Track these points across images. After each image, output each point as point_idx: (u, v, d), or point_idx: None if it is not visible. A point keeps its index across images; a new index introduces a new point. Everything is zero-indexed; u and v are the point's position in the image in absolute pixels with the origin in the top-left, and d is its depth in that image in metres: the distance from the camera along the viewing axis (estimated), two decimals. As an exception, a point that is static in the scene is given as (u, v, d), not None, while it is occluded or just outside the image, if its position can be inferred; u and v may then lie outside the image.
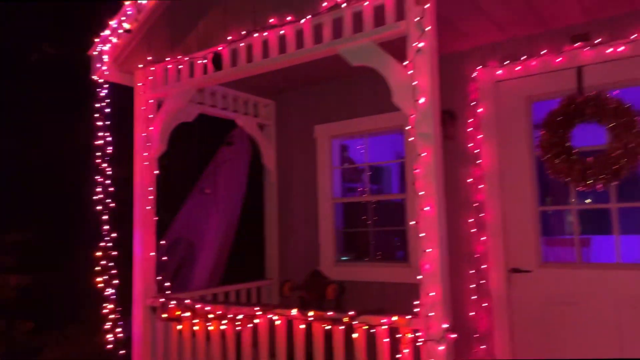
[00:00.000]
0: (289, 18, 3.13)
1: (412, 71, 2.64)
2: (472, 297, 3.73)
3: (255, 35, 3.28)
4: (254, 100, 4.89)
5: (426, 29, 2.61)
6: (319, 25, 3.06)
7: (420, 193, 2.56)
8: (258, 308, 3.16)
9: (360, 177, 5.23)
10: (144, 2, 3.61)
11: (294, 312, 3.00)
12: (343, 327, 2.82)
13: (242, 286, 4.58)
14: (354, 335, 2.77)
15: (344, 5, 2.90)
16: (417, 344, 2.55)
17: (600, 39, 3.39)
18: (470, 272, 3.76)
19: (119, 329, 3.76)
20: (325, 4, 2.99)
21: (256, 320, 3.17)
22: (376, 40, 2.83)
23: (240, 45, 3.36)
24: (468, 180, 3.82)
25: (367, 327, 2.74)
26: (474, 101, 3.86)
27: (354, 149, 5.33)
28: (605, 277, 3.42)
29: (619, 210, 3.45)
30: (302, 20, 3.08)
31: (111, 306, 3.74)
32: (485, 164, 3.79)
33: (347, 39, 2.92)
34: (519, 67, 3.69)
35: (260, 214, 4.96)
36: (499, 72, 3.78)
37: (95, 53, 3.89)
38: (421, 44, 2.62)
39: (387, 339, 2.70)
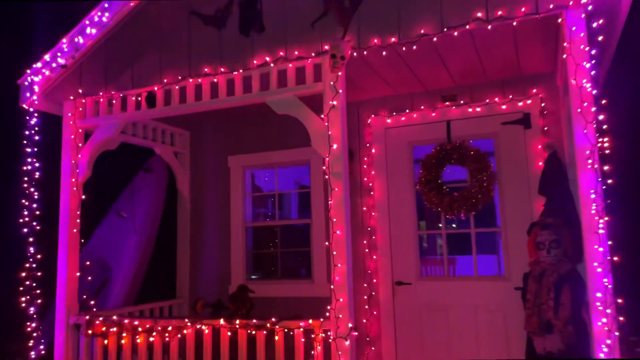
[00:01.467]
0: (222, 69, 3.68)
1: (327, 123, 3.33)
2: (365, 307, 4.47)
3: (190, 80, 3.77)
4: (171, 130, 5.28)
5: (339, 91, 3.32)
6: (248, 78, 3.64)
7: (333, 220, 3.23)
8: (187, 320, 3.59)
9: (267, 203, 5.80)
10: (81, 41, 3.92)
11: (222, 321, 3.48)
12: (266, 331, 3.37)
13: (155, 305, 4.88)
14: (276, 338, 3.33)
15: (272, 64, 3.53)
16: (329, 340, 3.18)
17: (463, 101, 4.38)
18: (364, 285, 4.50)
19: (41, 347, 3.91)
20: (255, 61, 3.59)
21: (185, 331, 3.59)
22: (298, 94, 3.48)
23: (175, 87, 3.82)
24: (363, 209, 4.59)
25: (286, 330, 3.32)
26: (368, 143, 4.66)
27: (261, 177, 5.90)
28: (466, 287, 4.34)
29: (476, 234, 4.42)
30: (235, 73, 3.64)
31: (34, 324, 3.89)
32: (377, 195, 4.59)
33: (273, 92, 3.54)
34: (403, 118, 4.58)
35: (175, 237, 5.31)
36: (389, 120, 4.64)
37: (26, 83, 4.09)
38: (335, 102, 3.33)
39: (303, 339, 3.30)
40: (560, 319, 3.41)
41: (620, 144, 2.73)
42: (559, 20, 2.93)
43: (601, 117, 2.68)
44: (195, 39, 3.82)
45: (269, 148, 5.12)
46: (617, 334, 2.60)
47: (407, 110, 4.54)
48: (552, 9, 2.86)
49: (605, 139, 2.66)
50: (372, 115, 4.67)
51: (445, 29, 3.10)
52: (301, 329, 3.29)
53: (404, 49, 3.27)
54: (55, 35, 4.10)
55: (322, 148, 3.35)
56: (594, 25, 2.75)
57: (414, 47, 3.24)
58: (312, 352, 3.26)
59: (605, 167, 2.65)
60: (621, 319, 2.65)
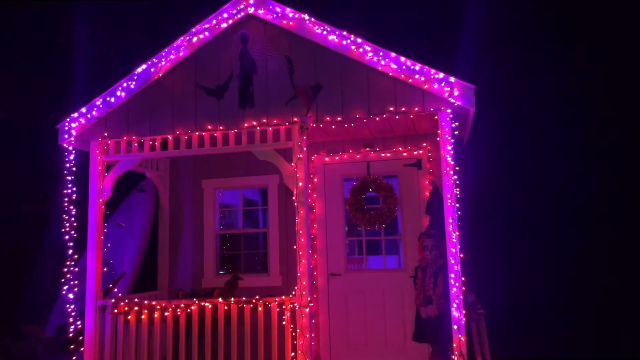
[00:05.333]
0: (220, 127, 5.36)
1: (295, 169, 5.14)
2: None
3: (196, 133, 5.41)
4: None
5: (304, 148, 5.15)
6: (239, 134, 5.35)
7: (299, 231, 5.04)
8: (195, 299, 5.23)
9: (231, 216, 7.44)
10: (112, 100, 5.41)
11: (220, 300, 5.17)
12: (252, 305, 5.10)
13: (145, 294, 6.37)
14: (259, 309, 5.08)
15: (257, 127, 5.27)
16: (295, 309, 4.98)
17: (379, 148, 6.36)
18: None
19: (79, 323, 5.33)
20: (245, 124, 5.31)
21: (192, 307, 5.22)
22: (275, 148, 5.25)
23: (184, 137, 5.43)
24: (308, 222, 6.42)
25: (267, 304, 5.08)
26: (312, 174, 6.51)
27: (227, 195, 7.53)
28: (377, 276, 6.34)
29: (385, 240, 6.43)
30: (229, 131, 5.34)
31: (73, 306, 5.31)
32: (317, 212, 6.45)
33: (257, 145, 5.28)
34: (337, 157, 6.49)
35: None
36: (326, 159, 6.53)
37: (66, 127, 5.48)
38: (300, 155, 5.15)
39: (277, 310, 5.07)
40: (436, 295, 5.46)
41: (465, 191, 4.82)
42: (436, 117, 4.99)
43: (455, 177, 4.76)
44: (199, 104, 5.45)
45: (235, 174, 6.79)
46: (461, 297, 4.67)
47: (340, 152, 6.46)
48: (433, 110, 4.91)
49: (457, 189, 4.73)
50: (315, 154, 6.52)
51: (370, 115, 5.05)
52: (276, 303, 5.07)
53: (345, 125, 5.18)
54: (81, 90, 5.54)
55: (292, 185, 5.15)
56: (453, 125, 4.83)
57: (352, 124, 5.16)
58: (283, 317, 5.05)
59: (457, 205, 4.72)
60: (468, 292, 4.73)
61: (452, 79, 4.79)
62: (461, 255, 4.74)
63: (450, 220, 4.75)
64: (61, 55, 7.00)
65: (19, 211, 6.75)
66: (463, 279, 4.72)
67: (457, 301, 4.66)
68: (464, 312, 4.66)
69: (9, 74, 6.86)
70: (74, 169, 5.49)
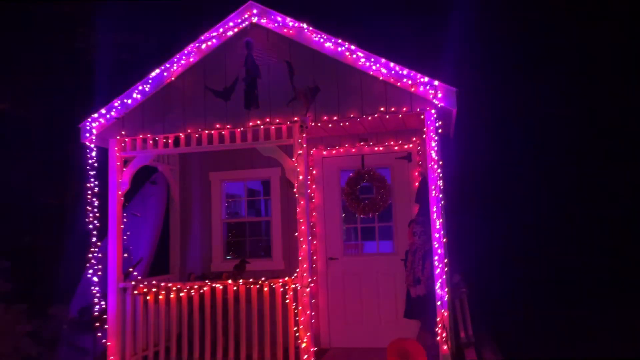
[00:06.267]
0: (228, 126, 5.91)
1: (296, 164, 5.70)
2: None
3: (206, 131, 5.95)
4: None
5: (304, 145, 5.71)
6: (244, 132, 5.90)
7: (300, 220, 5.62)
8: (207, 281, 5.82)
9: (239, 205, 8.02)
10: (129, 102, 5.95)
11: (229, 281, 5.76)
12: (258, 286, 5.70)
13: (159, 277, 6.97)
14: (265, 290, 5.68)
15: (262, 126, 5.82)
16: (297, 289, 5.57)
17: (372, 142, 6.92)
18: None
19: (102, 303, 5.94)
20: (250, 123, 5.86)
21: (205, 288, 5.81)
22: (277, 144, 5.80)
23: (195, 135, 5.98)
24: (308, 211, 7.00)
25: (271, 284, 5.67)
26: (311, 167, 7.07)
27: (232, 186, 8.09)
28: (372, 260, 6.94)
29: (379, 227, 7.02)
30: (236, 129, 5.88)
31: (97, 288, 5.90)
32: (316, 201, 7.03)
33: (261, 142, 5.84)
34: (334, 151, 7.04)
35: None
36: (324, 152, 7.09)
37: (87, 127, 6.03)
38: (300, 151, 5.70)
39: (281, 290, 5.67)
40: (424, 276, 6.05)
41: (447, 183, 5.40)
42: (422, 116, 5.54)
43: (439, 170, 5.33)
44: (208, 104, 5.99)
45: (240, 167, 7.36)
46: (444, 277, 5.26)
47: (337, 147, 7.02)
48: (419, 111, 5.46)
49: (441, 181, 5.31)
50: (314, 148, 7.07)
51: (363, 115, 5.60)
52: (280, 284, 5.67)
53: (341, 124, 5.73)
54: (96, 92, 6.08)
55: (293, 178, 5.72)
56: (437, 124, 5.39)
57: (347, 123, 5.71)
58: (287, 297, 5.65)
59: (440, 195, 5.30)
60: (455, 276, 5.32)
61: (436, 83, 5.33)
62: (444, 240, 5.32)
63: (435, 209, 5.32)
64: (77, 59, 7.52)
65: (41, 203, 7.34)
66: (446, 260, 5.31)
67: (440, 280, 5.25)
68: (446, 290, 5.26)
69: (28, 75, 7.39)
70: (96, 164, 6.04)
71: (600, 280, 7.89)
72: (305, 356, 5.44)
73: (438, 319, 5.22)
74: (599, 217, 8.35)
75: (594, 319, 6.91)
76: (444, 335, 5.14)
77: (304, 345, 5.46)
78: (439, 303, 5.23)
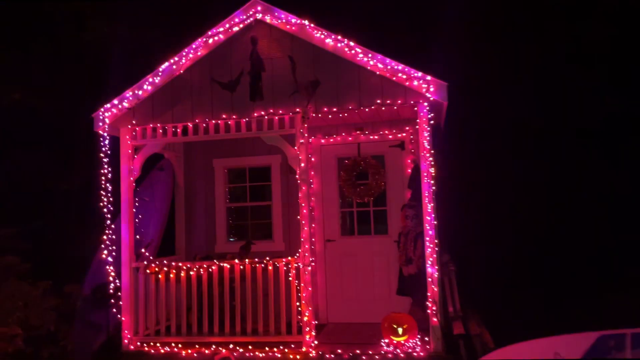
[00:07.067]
0: (234, 116, 6.30)
1: (298, 152, 6.12)
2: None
3: (213, 121, 6.34)
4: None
5: (305, 134, 6.12)
6: (249, 122, 6.30)
7: (302, 204, 6.06)
8: (215, 260, 6.26)
9: (240, 190, 8.42)
10: (140, 93, 6.32)
11: (236, 260, 6.21)
12: (262, 265, 6.15)
13: (166, 258, 7.39)
14: (269, 268, 6.13)
15: (265, 116, 6.22)
16: (299, 268, 6.03)
17: (368, 131, 7.34)
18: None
19: (117, 281, 6.37)
20: (255, 113, 6.25)
21: (213, 267, 6.26)
22: (280, 133, 6.21)
23: (202, 125, 6.37)
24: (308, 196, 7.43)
25: (275, 264, 6.13)
26: (310, 154, 7.47)
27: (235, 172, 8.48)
28: (366, 241, 7.41)
29: (373, 211, 7.48)
30: (241, 119, 6.28)
31: (112, 267, 6.33)
32: (315, 187, 7.47)
33: (265, 132, 6.23)
34: (332, 140, 7.46)
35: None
36: (322, 141, 7.51)
37: (100, 117, 6.39)
38: (301, 140, 6.12)
39: (284, 268, 6.13)
40: (416, 256, 6.54)
41: (438, 171, 5.87)
42: (415, 108, 5.97)
43: (430, 158, 5.79)
44: (215, 96, 6.36)
45: (243, 154, 7.77)
46: (435, 256, 5.75)
47: (334, 135, 7.44)
48: (413, 103, 5.89)
49: (432, 168, 5.77)
50: (313, 137, 7.48)
51: (361, 107, 6.02)
52: (283, 263, 6.12)
53: (339, 115, 6.16)
54: (104, 83, 6.43)
55: (295, 166, 6.14)
56: (429, 115, 5.83)
57: (346, 114, 6.14)
58: (289, 275, 6.11)
59: (431, 181, 5.77)
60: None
61: (428, 77, 5.75)
62: (435, 223, 5.79)
63: (427, 194, 5.79)
64: (88, 51, 7.82)
65: (54, 188, 7.71)
66: (436, 241, 5.79)
67: (430, 259, 5.74)
68: (436, 268, 5.74)
69: (42, 66, 7.71)
70: (109, 152, 6.42)
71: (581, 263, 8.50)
72: (307, 329, 5.92)
73: (428, 295, 5.71)
74: (578, 187, 8.98)
75: (570, 297, 7.52)
76: (434, 309, 5.64)
77: (305, 319, 5.94)
78: (429, 280, 5.71)
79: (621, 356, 4.32)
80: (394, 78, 5.85)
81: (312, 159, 7.46)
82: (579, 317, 6.07)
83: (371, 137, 7.33)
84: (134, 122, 6.52)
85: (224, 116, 6.33)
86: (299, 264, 6.05)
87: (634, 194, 8.45)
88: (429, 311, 5.69)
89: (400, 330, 5.81)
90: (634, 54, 9.22)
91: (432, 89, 5.75)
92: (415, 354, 5.65)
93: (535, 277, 8.22)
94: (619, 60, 9.25)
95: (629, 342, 4.32)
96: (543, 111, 9.08)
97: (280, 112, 6.19)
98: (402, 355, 5.67)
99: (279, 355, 5.96)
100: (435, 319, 5.63)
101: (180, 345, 6.24)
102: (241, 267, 6.22)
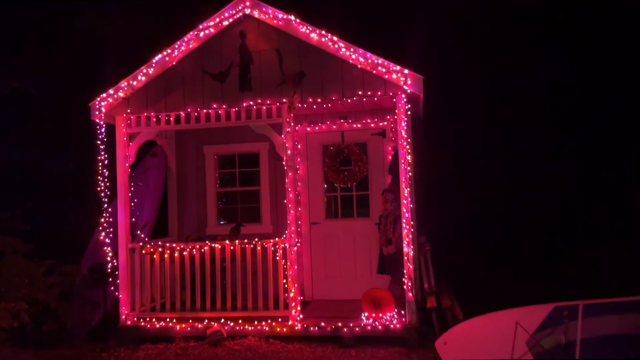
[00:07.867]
0: (224, 106, 6.67)
1: (285, 140, 6.52)
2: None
3: (204, 110, 6.71)
4: (165, 128, 8.07)
5: (291, 123, 6.53)
6: (239, 111, 6.68)
7: (288, 189, 6.49)
8: (207, 241, 6.69)
9: (231, 175, 8.82)
10: (134, 83, 6.66)
11: (227, 241, 6.64)
12: (251, 246, 6.59)
13: (160, 240, 7.80)
14: (258, 249, 6.58)
15: (254, 106, 6.60)
16: (285, 248, 6.48)
17: (351, 120, 7.76)
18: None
19: (115, 262, 6.77)
20: (244, 104, 6.63)
21: (205, 248, 6.68)
22: (268, 122, 6.61)
23: (194, 114, 6.74)
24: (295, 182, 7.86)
25: (264, 244, 6.57)
26: (296, 141, 7.90)
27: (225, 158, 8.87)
28: (349, 224, 7.87)
29: (356, 195, 7.93)
30: (231, 109, 6.66)
31: (109, 249, 6.72)
32: (301, 173, 7.89)
33: (254, 121, 6.63)
34: (317, 128, 7.87)
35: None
36: (308, 129, 7.92)
37: (97, 106, 6.73)
38: (288, 129, 6.53)
39: (272, 249, 6.58)
40: (395, 237, 7.02)
41: (417, 157, 6.32)
42: (394, 100, 6.40)
43: (407, 146, 6.24)
44: (206, 86, 6.73)
45: (233, 141, 8.15)
46: (411, 236, 6.23)
47: (319, 124, 7.85)
48: (392, 95, 6.32)
49: (409, 156, 6.22)
50: (299, 125, 7.88)
51: (344, 98, 6.43)
52: (271, 244, 6.57)
53: (324, 105, 6.56)
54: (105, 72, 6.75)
55: (282, 153, 6.56)
56: (407, 107, 6.26)
57: (330, 104, 6.55)
58: (277, 255, 6.56)
59: (409, 168, 6.22)
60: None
61: (406, 71, 6.18)
62: (412, 206, 6.26)
63: (404, 180, 6.25)
64: (78, 43, 8.10)
65: (51, 173, 8.06)
66: (412, 223, 6.27)
67: (407, 239, 6.22)
68: (412, 247, 6.23)
69: (39, 56, 7.98)
70: (105, 139, 6.78)
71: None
72: (293, 304, 6.39)
73: (405, 272, 6.20)
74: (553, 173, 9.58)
75: (535, 275, 8.12)
76: (409, 284, 6.13)
77: (292, 295, 6.41)
78: (405, 259, 6.20)
79: (573, 325, 4.83)
80: (374, 71, 6.26)
81: (299, 146, 7.87)
82: (540, 291, 6.60)
83: (354, 125, 7.75)
84: (128, 110, 6.87)
85: (214, 106, 6.70)
86: (286, 244, 6.50)
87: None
88: (405, 287, 6.18)
89: (379, 304, 6.29)
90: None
91: (409, 82, 6.17)
92: (392, 325, 6.15)
93: (504, 257, 8.80)
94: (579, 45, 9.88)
95: (580, 312, 4.83)
96: (511, 102, 9.68)
97: (268, 102, 6.58)
98: (380, 327, 6.18)
99: (267, 329, 6.44)
100: (410, 294, 6.13)
101: (174, 320, 6.69)
102: (231, 247, 6.65)
